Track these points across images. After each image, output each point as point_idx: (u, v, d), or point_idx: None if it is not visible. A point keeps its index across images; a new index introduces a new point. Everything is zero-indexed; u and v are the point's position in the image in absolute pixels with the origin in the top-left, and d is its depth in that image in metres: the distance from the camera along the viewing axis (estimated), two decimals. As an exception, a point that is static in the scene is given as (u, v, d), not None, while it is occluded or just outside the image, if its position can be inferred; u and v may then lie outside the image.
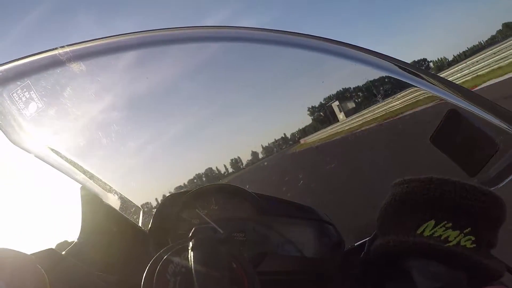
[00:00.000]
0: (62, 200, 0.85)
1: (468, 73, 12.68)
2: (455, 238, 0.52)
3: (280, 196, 0.86)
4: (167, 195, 0.83)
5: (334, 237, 0.81)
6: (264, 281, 0.49)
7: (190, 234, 0.47)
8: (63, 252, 0.67)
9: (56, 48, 0.67)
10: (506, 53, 11.46)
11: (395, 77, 0.77)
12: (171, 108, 1.09)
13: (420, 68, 0.79)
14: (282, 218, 0.80)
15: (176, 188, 0.90)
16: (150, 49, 0.76)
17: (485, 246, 0.53)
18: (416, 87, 0.77)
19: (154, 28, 0.72)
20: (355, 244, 0.79)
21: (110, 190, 0.85)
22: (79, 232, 0.73)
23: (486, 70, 11.72)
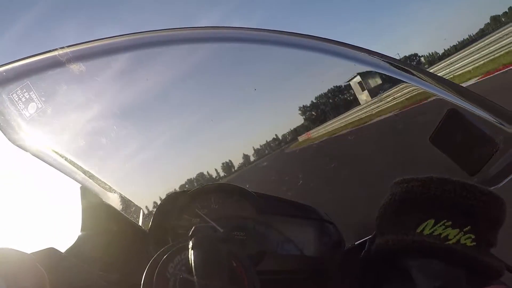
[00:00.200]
0: (62, 199, 0.85)
1: (460, 67, 12.65)
2: (454, 236, 0.52)
3: (280, 195, 0.86)
4: (167, 195, 0.83)
5: (334, 236, 0.81)
6: (264, 280, 0.49)
7: (190, 233, 0.47)
8: (63, 251, 0.67)
9: (55, 49, 0.67)
10: (496, 45, 11.50)
11: (394, 77, 0.77)
12: (170, 108, 1.09)
13: (420, 68, 0.79)
14: (282, 217, 0.80)
15: (176, 188, 0.90)
16: (150, 50, 0.76)
17: (485, 245, 0.53)
18: (416, 86, 0.77)
19: (154, 29, 0.72)
20: (355, 243, 0.79)
21: (110, 189, 0.85)
22: (79, 232, 0.74)
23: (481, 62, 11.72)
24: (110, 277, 0.68)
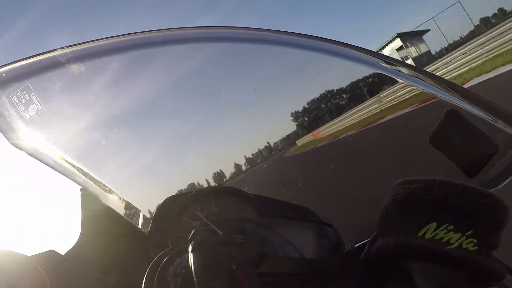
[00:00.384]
0: (62, 201, 0.85)
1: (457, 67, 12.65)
2: (456, 240, 0.51)
3: (280, 198, 0.86)
4: (166, 197, 0.83)
5: (334, 238, 0.81)
6: (264, 283, 0.49)
7: (190, 236, 0.48)
8: (63, 254, 0.67)
9: (55, 50, 0.67)
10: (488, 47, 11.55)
11: (394, 77, 0.77)
12: (172, 109, 1.09)
13: (419, 68, 0.79)
14: (282, 220, 0.80)
15: (176, 190, 0.90)
16: (151, 50, 0.76)
17: (487, 248, 0.53)
18: (416, 86, 0.77)
19: (154, 29, 0.72)
20: (355, 246, 0.79)
21: (109, 191, 0.85)
22: (79, 234, 0.74)
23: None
24: (109, 279, 0.68)
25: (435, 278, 0.51)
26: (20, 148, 0.70)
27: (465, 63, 11.87)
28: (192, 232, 0.48)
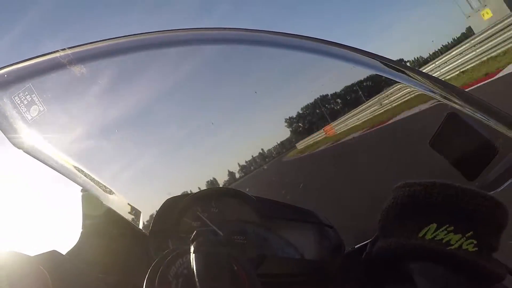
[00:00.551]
0: (63, 202, 0.85)
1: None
2: (456, 241, 0.52)
3: (280, 199, 0.86)
4: (167, 198, 0.83)
5: (334, 239, 0.81)
6: (265, 283, 0.50)
7: (192, 237, 0.48)
8: (65, 254, 0.67)
9: (57, 51, 0.67)
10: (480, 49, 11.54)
11: (394, 79, 0.78)
12: (173, 110, 1.10)
13: (418, 70, 0.79)
14: (282, 221, 0.80)
15: (177, 191, 0.90)
16: (152, 51, 0.76)
17: (487, 249, 0.53)
18: (415, 89, 0.77)
19: (154, 30, 0.73)
20: (356, 247, 0.79)
21: (110, 193, 0.85)
22: (80, 234, 0.74)
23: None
24: (110, 279, 0.68)
25: (436, 279, 0.51)
26: (22, 149, 0.71)
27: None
28: (194, 233, 0.48)
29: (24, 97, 0.68)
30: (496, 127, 0.69)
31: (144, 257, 0.74)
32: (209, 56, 0.83)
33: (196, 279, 0.42)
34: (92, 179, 0.82)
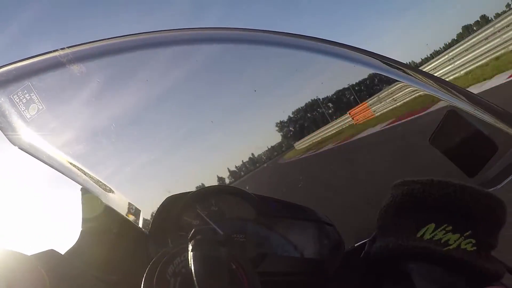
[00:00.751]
0: (62, 201, 0.85)
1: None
2: (455, 241, 0.52)
3: (280, 197, 0.86)
4: (167, 197, 0.83)
5: (334, 238, 0.81)
6: (264, 282, 0.49)
7: (190, 235, 0.48)
8: (63, 253, 0.67)
9: (56, 50, 0.67)
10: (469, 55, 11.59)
11: (394, 78, 0.77)
12: (172, 109, 1.09)
13: (418, 69, 0.79)
14: (282, 219, 0.80)
15: (177, 190, 0.90)
16: (150, 51, 0.76)
17: (486, 248, 0.53)
18: (415, 87, 0.77)
19: (155, 30, 0.73)
20: (355, 245, 0.79)
21: (110, 191, 0.85)
22: (79, 233, 0.74)
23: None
24: (109, 278, 0.68)
25: (434, 279, 0.51)
26: (20, 148, 0.70)
27: None
28: (192, 231, 0.48)
29: (23, 96, 0.68)
30: (496, 125, 0.69)
31: (144, 256, 0.74)
32: (207, 56, 0.83)
33: (194, 278, 0.42)
34: (92, 178, 0.82)
